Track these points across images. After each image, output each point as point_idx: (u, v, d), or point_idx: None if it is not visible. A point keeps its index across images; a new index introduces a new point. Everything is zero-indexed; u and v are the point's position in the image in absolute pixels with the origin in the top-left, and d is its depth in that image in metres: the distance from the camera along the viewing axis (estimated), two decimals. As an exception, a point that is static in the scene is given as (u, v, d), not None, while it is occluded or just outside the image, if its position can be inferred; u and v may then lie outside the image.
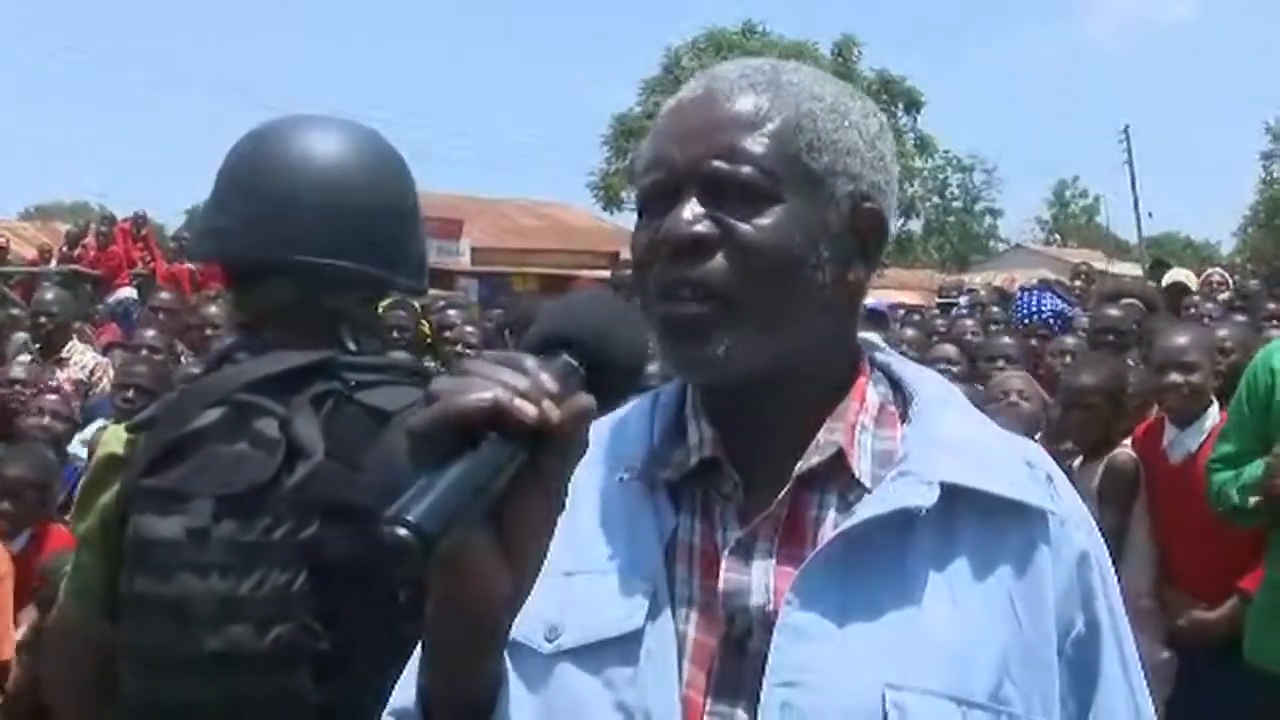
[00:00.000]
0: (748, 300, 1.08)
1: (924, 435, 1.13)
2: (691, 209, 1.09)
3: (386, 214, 1.80)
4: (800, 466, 1.11)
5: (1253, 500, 3.49)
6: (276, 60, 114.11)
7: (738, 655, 1.08)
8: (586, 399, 0.91)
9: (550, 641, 1.09)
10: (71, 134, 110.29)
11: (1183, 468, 4.01)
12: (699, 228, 1.08)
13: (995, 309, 8.94)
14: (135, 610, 1.70)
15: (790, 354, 1.11)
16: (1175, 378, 4.02)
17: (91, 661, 1.81)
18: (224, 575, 1.62)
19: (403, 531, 0.81)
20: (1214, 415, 4.02)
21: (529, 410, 0.86)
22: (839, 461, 1.12)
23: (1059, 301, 7.51)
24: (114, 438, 1.84)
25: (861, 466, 1.12)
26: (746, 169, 1.09)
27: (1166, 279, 9.41)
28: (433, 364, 5.67)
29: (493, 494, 0.87)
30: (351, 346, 1.77)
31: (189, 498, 1.65)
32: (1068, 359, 5.36)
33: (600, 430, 1.17)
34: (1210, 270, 11.36)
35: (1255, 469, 3.50)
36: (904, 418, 1.16)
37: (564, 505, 0.94)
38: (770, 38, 37.42)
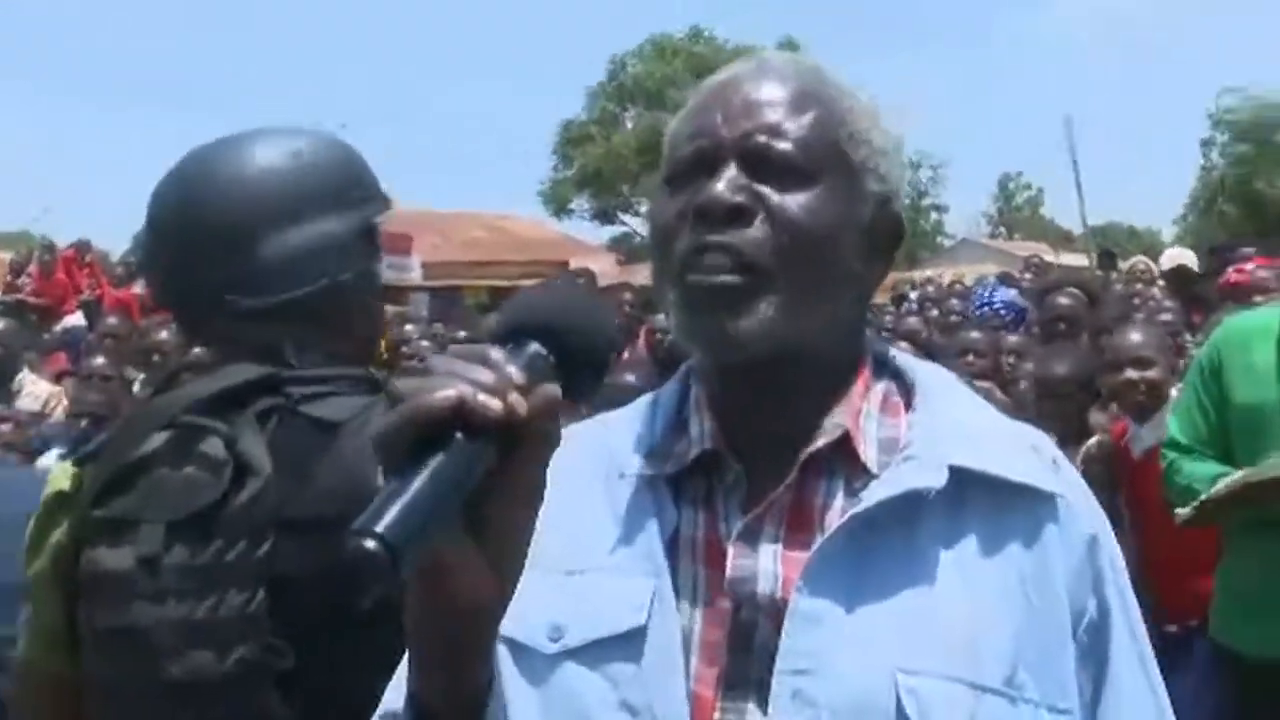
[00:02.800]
0: (781, 272, 1.09)
1: (930, 421, 1.14)
2: (730, 179, 1.10)
3: (212, 233, 1.77)
4: (807, 450, 1.11)
5: (1185, 510, 3.40)
6: (218, 79, 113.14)
7: (745, 646, 1.08)
8: (552, 389, 0.89)
9: (554, 641, 1.09)
10: (7, 160, 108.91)
11: (1142, 463, 4.01)
12: (739, 197, 1.09)
13: (954, 301, 8.99)
14: (95, 645, 1.67)
15: (812, 335, 1.12)
16: (1131, 374, 4.03)
17: (58, 703, 1.78)
18: (180, 601, 1.60)
19: (370, 544, 0.78)
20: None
21: (494, 405, 0.84)
22: (845, 447, 1.12)
23: (1010, 292, 7.63)
24: (61, 474, 1.80)
25: (867, 452, 1.12)
26: (788, 146, 1.11)
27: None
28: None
29: (464, 494, 0.84)
30: (293, 361, 1.75)
31: (139, 525, 1.63)
32: (1012, 358, 5.41)
33: (601, 428, 1.17)
34: (1135, 259, 11.52)
35: (1208, 475, 3.38)
36: (908, 406, 1.17)
37: (542, 498, 0.91)
38: (716, 42, 37.57)
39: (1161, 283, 9.73)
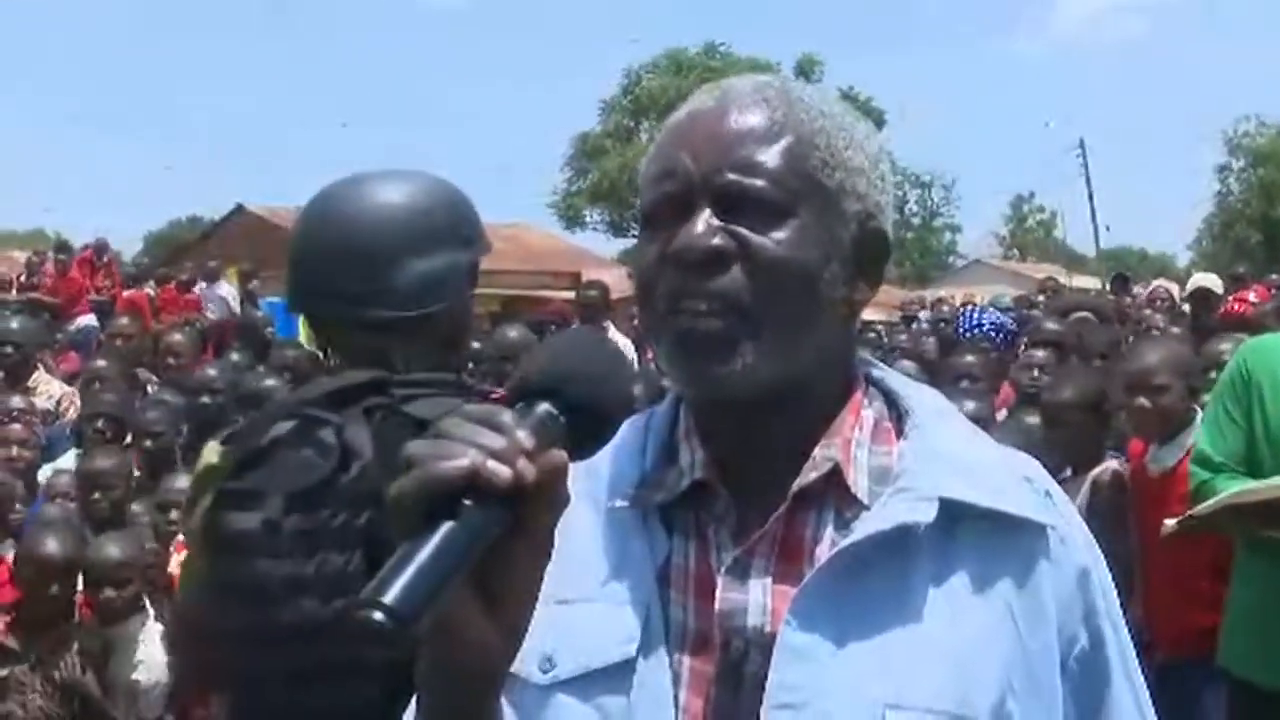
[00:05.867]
0: (764, 313, 1.07)
1: (922, 451, 1.12)
2: (706, 221, 1.07)
3: (360, 254, 2.05)
4: (797, 484, 1.10)
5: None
6: (228, 90, 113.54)
7: (735, 680, 1.07)
8: (559, 455, 0.90)
9: (545, 673, 1.08)
10: (23, 161, 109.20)
11: (1159, 481, 3.96)
12: (715, 241, 1.07)
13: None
14: (217, 593, 1.97)
15: (800, 369, 1.10)
16: (1143, 402, 3.97)
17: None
18: (293, 558, 1.89)
19: (378, 615, 0.79)
20: (1198, 429, 3.88)
21: (504, 473, 0.86)
22: (836, 478, 1.10)
23: (998, 315, 7.68)
24: (211, 451, 2.11)
25: (859, 483, 1.10)
26: (762, 183, 1.08)
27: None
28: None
29: (474, 559, 0.86)
30: (400, 366, 2.04)
31: (265, 496, 1.93)
32: (1035, 373, 5.34)
33: (593, 456, 1.15)
34: (1155, 284, 11.55)
35: (1225, 489, 3.34)
36: (900, 433, 1.15)
37: (550, 557, 0.93)
38: (732, 57, 37.64)
39: (1186, 306, 9.77)
